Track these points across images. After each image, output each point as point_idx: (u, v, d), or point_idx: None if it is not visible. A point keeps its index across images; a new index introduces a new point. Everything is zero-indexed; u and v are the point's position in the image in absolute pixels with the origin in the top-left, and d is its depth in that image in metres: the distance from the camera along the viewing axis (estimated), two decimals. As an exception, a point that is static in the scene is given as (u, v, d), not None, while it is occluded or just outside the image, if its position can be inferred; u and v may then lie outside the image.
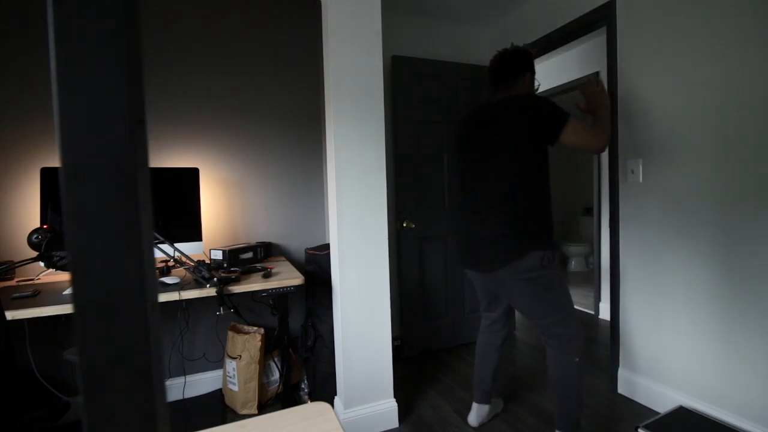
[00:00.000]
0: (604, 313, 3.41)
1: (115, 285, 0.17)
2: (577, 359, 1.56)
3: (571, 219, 6.33)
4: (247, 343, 2.04)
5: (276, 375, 2.18)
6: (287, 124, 2.49)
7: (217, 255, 1.92)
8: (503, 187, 1.55)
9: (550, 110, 1.51)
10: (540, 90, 4.02)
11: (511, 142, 1.53)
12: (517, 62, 1.66)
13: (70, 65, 0.16)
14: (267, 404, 2.14)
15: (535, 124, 1.50)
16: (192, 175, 2.07)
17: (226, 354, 2.12)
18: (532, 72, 1.70)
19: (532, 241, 1.51)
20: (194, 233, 2.05)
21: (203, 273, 1.63)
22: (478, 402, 1.88)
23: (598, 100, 1.67)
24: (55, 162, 1.99)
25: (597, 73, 3.40)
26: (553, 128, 1.51)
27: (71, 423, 1.94)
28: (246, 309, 2.37)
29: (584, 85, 1.73)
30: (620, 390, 2.15)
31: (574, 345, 1.56)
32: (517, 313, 3.61)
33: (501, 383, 2.33)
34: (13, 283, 1.78)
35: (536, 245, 1.50)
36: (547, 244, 1.53)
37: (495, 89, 1.73)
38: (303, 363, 2.26)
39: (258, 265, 2.01)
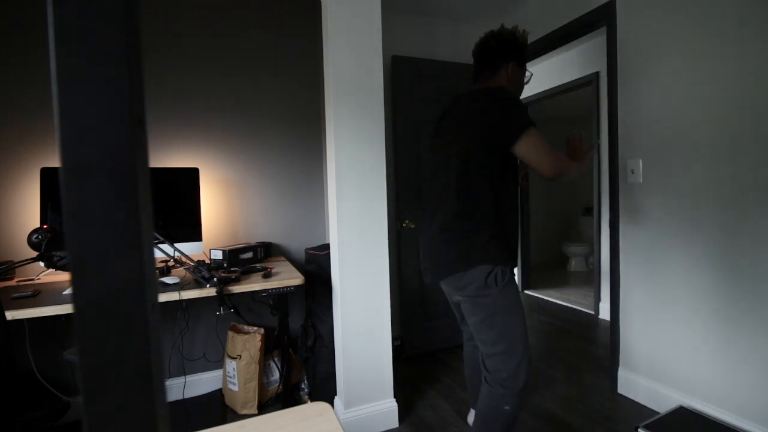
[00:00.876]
0: (604, 313, 3.41)
1: (115, 285, 0.17)
2: (508, 407, 1.30)
3: (571, 219, 6.33)
4: (247, 343, 2.04)
5: (276, 375, 2.18)
6: (287, 124, 2.49)
7: (217, 255, 1.92)
8: (452, 189, 1.35)
9: (512, 114, 1.28)
10: (539, 90, 4.02)
11: (463, 141, 1.34)
12: (501, 48, 1.42)
13: (70, 65, 0.16)
14: (267, 404, 2.14)
15: (490, 126, 1.29)
16: (192, 175, 2.07)
17: (226, 354, 2.12)
18: (519, 61, 1.45)
19: (478, 252, 1.28)
20: (194, 233, 2.05)
21: (203, 273, 1.63)
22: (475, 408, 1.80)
23: (579, 154, 1.46)
24: (55, 162, 1.99)
25: (597, 73, 3.41)
26: (508, 134, 1.27)
27: (71, 423, 1.94)
28: (246, 309, 2.37)
29: (569, 137, 1.52)
30: (620, 390, 2.15)
31: (509, 390, 1.29)
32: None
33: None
34: (13, 283, 1.78)
35: (483, 259, 1.28)
36: (497, 259, 1.29)
37: (476, 78, 1.51)
38: (303, 363, 2.26)
39: (258, 265, 2.01)
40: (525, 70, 1.50)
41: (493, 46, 1.43)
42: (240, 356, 2.03)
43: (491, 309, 1.30)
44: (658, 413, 1.89)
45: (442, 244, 1.35)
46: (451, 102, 1.50)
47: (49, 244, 1.47)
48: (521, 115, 1.28)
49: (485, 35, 1.46)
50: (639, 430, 1.70)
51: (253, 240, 2.41)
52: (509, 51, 1.42)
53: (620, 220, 2.13)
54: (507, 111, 1.28)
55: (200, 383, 2.27)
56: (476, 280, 1.28)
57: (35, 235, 1.50)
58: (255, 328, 2.17)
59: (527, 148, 1.27)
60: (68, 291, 1.57)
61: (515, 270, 1.42)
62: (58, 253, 1.47)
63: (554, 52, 3.61)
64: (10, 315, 1.30)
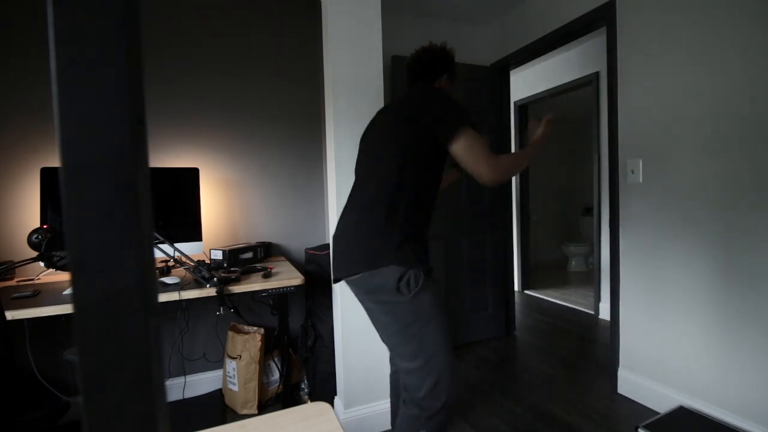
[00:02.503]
0: (604, 313, 3.41)
1: (115, 285, 0.17)
2: None
3: (571, 219, 6.33)
4: (247, 343, 2.04)
5: (276, 375, 2.18)
6: (287, 124, 2.49)
7: (217, 255, 1.92)
8: (374, 185, 1.24)
9: (447, 110, 1.21)
10: (539, 90, 4.02)
11: (394, 132, 1.27)
12: (434, 61, 1.42)
13: (70, 65, 0.16)
14: (267, 404, 2.14)
15: (425, 123, 1.22)
16: (192, 175, 2.07)
17: (226, 354, 2.12)
18: (451, 75, 1.46)
19: (391, 253, 1.14)
20: (194, 233, 2.05)
21: (203, 273, 1.63)
22: None
23: (539, 135, 1.37)
24: (55, 162, 1.99)
25: (597, 73, 3.41)
26: (443, 130, 1.19)
27: (71, 423, 1.94)
28: (246, 309, 2.37)
29: (533, 120, 1.45)
30: (620, 390, 2.15)
31: (426, 411, 1.14)
32: (516, 312, 3.62)
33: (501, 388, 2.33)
34: (13, 283, 1.78)
35: (396, 259, 1.14)
36: (411, 262, 1.15)
37: (413, 80, 1.48)
38: (303, 363, 2.26)
39: (258, 265, 2.01)
40: (453, 78, 1.51)
41: (427, 59, 1.42)
42: (240, 356, 2.03)
43: (406, 318, 1.15)
44: (658, 413, 1.89)
45: (352, 239, 1.22)
46: (393, 101, 1.44)
47: (49, 244, 1.47)
48: (460, 112, 1.21)
49: (416, 51, 1.45)
50: (639, 430, 1.70)
51: (253, 240, 2.41)
52: (442, 64, 1.43)
53: (620, 220, 2.13)
54: (445, 105, 1.22)
55: (200, 383, 2.27)
56: (387, 284, 1.14)
57: (35, 235, 1.50)
58: (255, 328, 2.17)
59: (466, 148, 1.18)
60: (68, 291, 1.57)
61: (430, 274, 1.23)
62: (58, 253, 1.47)
63: (554, 52, 3.62)
64: (10, 315, 1.30)
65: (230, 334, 2.13)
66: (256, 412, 2.06)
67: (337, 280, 1.27)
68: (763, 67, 1.55)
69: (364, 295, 1.22)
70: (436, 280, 1.23)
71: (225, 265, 1.89)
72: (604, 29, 2.85)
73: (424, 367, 1.15)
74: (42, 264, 1.50)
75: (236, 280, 1.67)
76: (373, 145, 1.34)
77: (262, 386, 2.11)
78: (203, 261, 1.87)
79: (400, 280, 1.13)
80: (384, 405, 1.90)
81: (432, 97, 1.25)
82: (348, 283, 1.23)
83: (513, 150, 3.81)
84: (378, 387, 1.91)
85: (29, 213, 1.96)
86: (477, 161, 1.16)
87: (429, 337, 1.15)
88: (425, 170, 1.24)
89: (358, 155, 1.42)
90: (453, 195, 2.90)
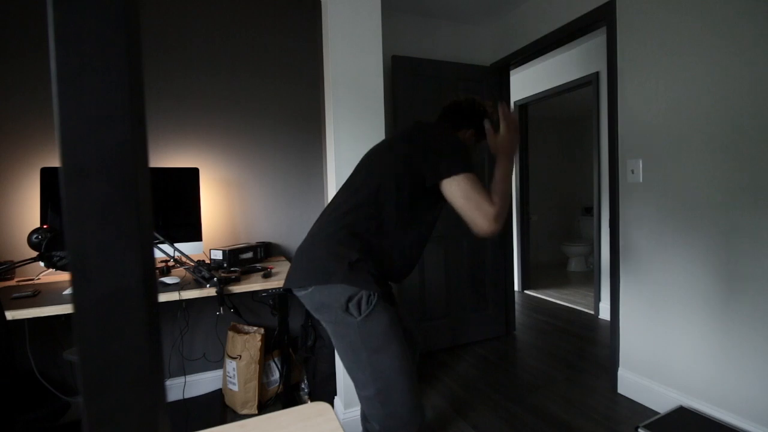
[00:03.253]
0: (604, 313, 3.41)
1: (115, 285, 0.17)
2: None
3: (571, 219, 6.33)
4: (247, 343, 2.04)
5: (276, 375, 2.18)
6: (287, 124, 2.49)
7: (217, 255, 1.92)
8: (355, 200, 1.17)
9: (450, 149, 1.14)
10: (539, 90, 4.02)
11: (388, 159, 1.20)
12: (469, 112, 1.37)
13: (70, 65, 0.16)
14: (267, 404, 2.14)
15: (426, 152, 1.15)
16: (192, 175, 2.07)
17: (226, 354, 2.12)
18: (479, 133, 1.39)
19: (343, 270, 1.05)
20: (194, 233, 2.05)
21: (203, 273, 1.63)
22: None
23: (508, 135, 1.25)
24: (55, 162, 1.99)
25: (597, 73, 3.40)
26: (438, 167, 1.11)
27: (71, 423, 1.94)
28: (246, 309, 2.37)
29: (494, 106, 1.39)
30: (620, 390, 2.15)
31: None
32: (516, 312, 3.62)
33: (502, 386, 2.33)
34: (13, 283, 1.78)
35: (347, 278, 1.05)
36: (366, 283, 1.06)
37: (443, 118, 1.44)
38: (303, 363, 2.26)
39: (258, 265, 2.01)
40: (479, 147, 1.42)
41: (464, 108, 1.37)
42: (240, 356, 2.03)
43: (355, 343, 1.07)
44: (658, 413, 1.89)
45: (308, 252, 1.14)
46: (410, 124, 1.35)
47: (49, 244, 1.47)
48: (462, 155, 1.13)
49: (461, 97, 1.40)
50: (639, 430, 1.70)
51: (253, 240, 2.41)
52: (476, 119, 1.36)
53: (620, 220, 2.13)
54: (449, 143, 1.15)
55: (200, 383, 2.27)
56: (334, 303, 1.06)
57: (35, 235, 1.50)
58: (255, 328, 2.17)
59: (459, 195, 1.09)
60: (68, 291, 1.57)
61: (389, 290, 1.23)
62: (58, 253, 1.47)
63: (554, 52, 3.62)
64: (10, 315, 1.30)
65: (230, 334, 2.13)
66: (256, 412, 2.06)
67: (286, 290, 1.20)
68: (764, 67, 1.55)
69: (313, 311, 1.13)
70: (392, 304, 1.13)
71: (225, 265, 1.89)
72: (604, 29, 2.85)
73: (376, 398, 1.07)
74: (42, 264, 1.50)
75: (236, 280, 1.67)
76: (365, 165, 1.26)
77: (262, 386, 2.11)
78: (203, 261, 1.87)
79: (349, 300, 1.05)
80: (384, 405, 1.90)
81: (439, 133, 1.19)
82: (297, 295, 1.15)
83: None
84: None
85: (29, 213, 1.96)
86: (475, 212, 1.08)
87: (381, 366, 1.06)
88: (407, 208, 1.15)
89: (356, 168, 1.33)
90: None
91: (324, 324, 1.14)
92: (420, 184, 1.14)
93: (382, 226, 1.13)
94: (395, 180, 1.15)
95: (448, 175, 1.10)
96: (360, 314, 1.05)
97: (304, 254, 1.15)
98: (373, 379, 1.06)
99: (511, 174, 1.20)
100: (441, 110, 1.43)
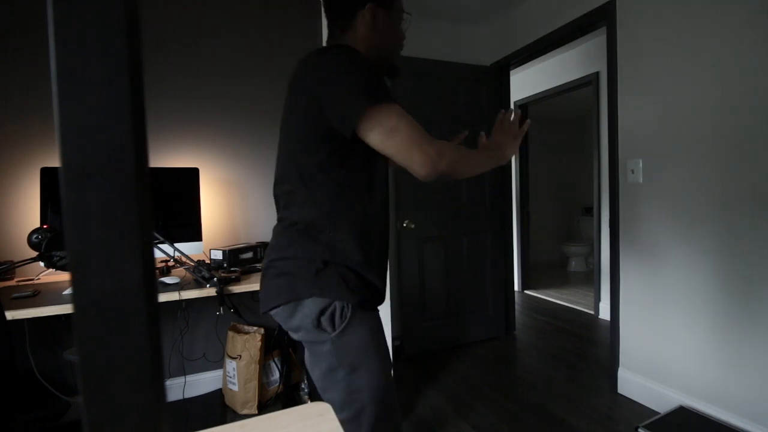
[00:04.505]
0: (604, 313, 3.41)
1: (115, 285, 0.17)
2: None
3: (571, 219, 6.33)
4: (247, 343, 2.04)
5: (276, 375, 2.18)
6: (287, 124, 2.49)
7: (217, 255, 1.92)
8: (287, 188, 0.96)
9: (349, 79, 0.85)
10: (539, 90, 4.01)
11: (292, 126, 0.95)
12: None
13: (70, 65, 0.16)
14: (267, 404, 2.14)
15: (322, 101, 0.87)
16: (192, 175, 2.07)
17: (226, 354, 2.12)
18: (381, 2, 1.00)
19: (309, 280, 0.90)
20: (194, 233, 2.05)
21: (203, 273, 1.62)
22: None
23: (507, 135, 1.11)
24: (55, 162, 1.99)
25: (597, 73, 3.40)
26: (342, 113, 0.85)
27: (71, 423, 1.93)
28: (246, 309, 2.37)
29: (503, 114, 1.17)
30: (620, 390, 2.15)
31: None
32: (516, 312, 3.61)
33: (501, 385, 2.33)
34: (13, 283, 1.78)
35: (318, 287, 0.89)
36: (338, 291, 0.90)
37: (329, 36, 1.07)
38: (303, 363, 2.26)
39: (258, 265, 2.01)
40: (399, 12, 1.07)
41: None
42: (240, 356, 2.02)
43: (330, 361, 0.92)
44: (658, 413, 1.89)
45: (272, 263, 0.96)
46: (296, 65, 1.00)
47: (49, 244, 1.47)
48: (367, 81, 0.85)
49: None
50: (639, 430, 1.70)
51: (253, 240, 2.41)
52: None
53: (620, 220, 2.13)
54: (339, 83, 0.86)
55: (200, 383, 2.27)
56: (306, 321, 0.91)
57: (35, 235, 1.50)
58: (255, 328, 2.17)
59: (378, 135, 0.84)
60: (68, 291, 1.57)
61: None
62: (58, 253, 1.47)
63: (554, 52, 3.61)
64: (10, 315, 1.30)
65: (230, 334, 2.13)
66: (256, 412, 2.06)
67: (264, 314, 1.01)
68: (763, 67, 1.55)
69: (289, 332, 0.98)
70: (373, 314, 0.98)
71: (225, 265, 1.89)
72: (604, 29, 2.85)
73: (353, 420, 0.93)
74: (42, 264, 1.50)
75: (236, 280, 1.67)
76: (280, 142, 1.01)
77: (262, 386, 2.11)
78: (203, 261, 1.87)
79: (321, 314, 0.89)
80: (384, 405, 1.90)
81: (330, 64, 0.88)
82: (272, 315, 0.99)
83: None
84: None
85: (29, 213, 1.96)
86: (405, 146, 0.84)
87: (357, 386, 0.92)
88: (343, 175, 0.91)
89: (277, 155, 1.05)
90: (453, 195, 2.90)
91: (299, 340, 0.99)
92: (340, 139, 0.88)
93: (332, 208, 0.92)
94: (311, 152, 0.91)
95: (359, 116, 0.83)
96: (334, 329, 0.90)
97: (268, 270, 0.98)
98: (348, 402, 0.92)
99: (489, 164, 1.01)
100: (325, 8, 1.05)
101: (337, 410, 0.93)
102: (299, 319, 0.92)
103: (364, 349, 0.93)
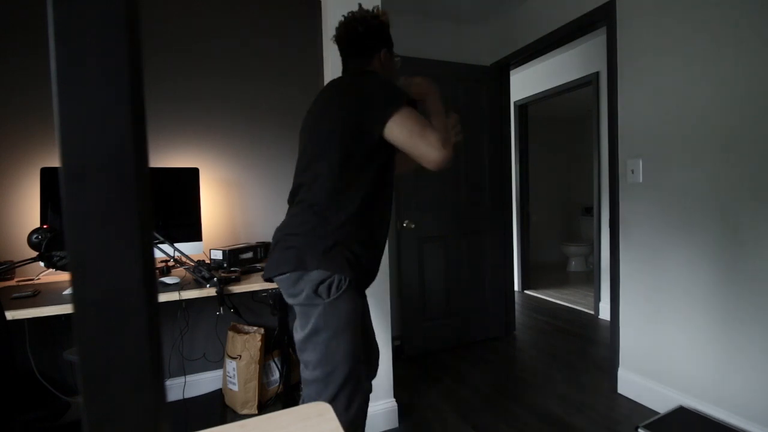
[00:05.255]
0: (604, 313, 3.41)
1: (115, 285, 0.17)
2: None
3: (571, 219, 6.33)
4: (247, 343, 2.04)
5: (276, 375, 2.18)
6: (287, 124, 2.49)
7: (217, 255, 1.92)
8: (309, 178, 1.15)
9: (377, 92, 1.10)
10: (539, 90, 4.02)
11: (326, 128, 1.15)
12: (370, 33, 1.24)
13: (70, 65, 0.16)
14: (267, 404, 2.14)
15: (356, 105, 1.11)
16: (192, 175, 2.07)
17: (226, 354, 2.12)
18: (389, 46, 1.29)
19: (318, 256, 1.07)
20: (194, 233, 2.05)
21: (203, 273, 1.62)
22: None
23: (424, 88, 1.28)
24: (55, 162, 1.99)
25: (597, 73, 3.40)
26: (372, 116, 1.08)
27: (71, 423, 1.93)
28: (246, 309, 2.37)
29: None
30: (620, 390, 2.15)
31: None
32: (516, 312, 3.61)
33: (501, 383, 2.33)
34: (13, 283, 1.78)
35: (324, 262, 1.06)
36: (341, 268, 1.07)
37: (345, 68, 1.32)
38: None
39: (258, 265, 2.01)
40: (395, 56, 1.34)
41: (361, 33, 1.23)
42: (240, 356, 2.02)
43: (317, 324, 1.08)
44: (658, 413, 1.89)
45: (285, 237, 1.14)
46: (326, 86, 1.29)
47: (49, 244, 1.47)
48: (390, 93, 1.09)
49: (347, 19, 1.25)
50: (639, 430, 1.70)
51: (253, 240, 2.41)
52: (380, 36, 1.25)
53: (620, 220, 2.13)
54: (377, 84, 1.11)
55: (200, 383, 2.27)
56: (306, 286, 1.08)
57: (35, 235, 1.50)
58: (255, 328, 2.17)
59: (399, 133, 1.06)
60: (68, 291, 1.57)
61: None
62: (58, 253, 1.47)
63: (554, 52, 3.61)
64: (10, 315, 1.29)
65: (230, 334, 2.13)
66: (256, 412, 2.06)
67: (267, 280, 1.18)
68: (764, 67, 1.55)
69: (287, 296, 1.14)
70: (362, 295, 1.15)
71: (225, 265, 1.89)
72: (604, 29, 2.85)
73: (322, 380, 1.08)
74: (42, 264, 1.50)
75: (236, 280, 1.67)
76: (308, 140, 1.21)
77: (262, 386, 2.11)
78: (203, 261, 1.87)
79: (321, 283, 1.06)
80: (383, 405, 1.90)
81: (361, 83, 1.14)
82: (276, 282, 1.15)
83: (513, 154, 3.80)
84: (377, 387, 1.91)
85: (29, 213, 1.96)
86: (420, 143, 1.05)
87: (335, 348, 1.08)
88: (364, 170, 1.12)
89: (299, 147, 1.28)
90: (453, 195, 2.90)
91: (294, 306, 1.14)
92: (365, 142, 1.10)
93: (349, 207, 1.10)
94: (341, 148, 1.10)
95: (389, 116, 1.06)
96: (329, 296, 1.07)
97: (279, 242, 1.14)
98: (323, 361, 1.08)
99: (442, 111, 1.21)
100: (339, 47, 1.29)
101: (311, 369, 1.10)
102: (302, 286, 1.08)
103: (347, 319, 1.09)
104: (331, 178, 1.10)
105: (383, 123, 1.06)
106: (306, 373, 1.11)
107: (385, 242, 1.22)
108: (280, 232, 1.16)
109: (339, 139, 1.10)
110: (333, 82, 1.23)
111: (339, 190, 1.10)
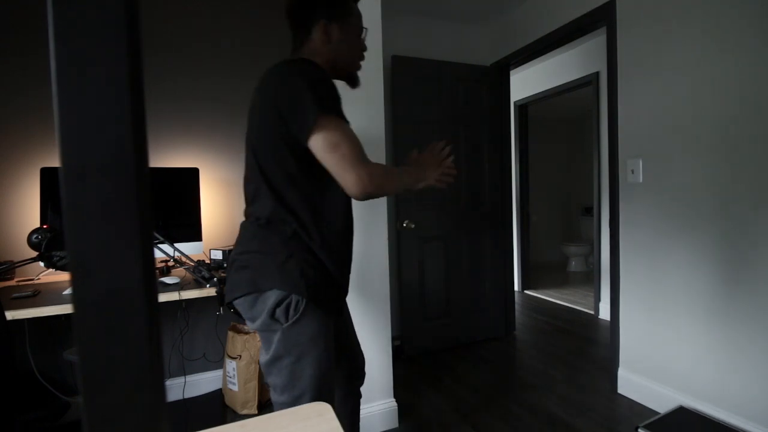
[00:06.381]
0: (604, 313, 3.41)
1: (115, 285, 0.17)
2: None
3: (571, 219, 6.33)
4: (247, 343, 2.04)
5: (276, 375, 2.18)
6: (287, 124, 2.49)
7: (217, 255, 1.92)
8: (254, 188, 1.04)
9: (300, 94, 0.92)
10: (540, 90, 4.02)
11: (256, 131, 1.04)
12: (301, 2, 1.07)
13: (70, 65, 0.16)
14: (267, 404, 2.14)
15: (281, 112, 0.95)
16: (192, 175, 2.07)
17: (226, 354, 2.12)
18: (334, 17, 1.07)
19: (272, 274, 0.97)
20: (194, 233, 2.05)
21: (203, 273, 1.62)
22: None
23: (434, 160, 1.15)
24: (55, 162, 1.99)
25: (597, 73, 3.40)
26: (297, 125, 0.93)
27: (71, 423, 1.93)
28: (246, 309, 2.37)
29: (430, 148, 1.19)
30: (620, 390, 2.15)
31: None
32: (516, 312, 3.61)
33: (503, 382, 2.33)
34: (13, 283, 1.78)
35: (279, 281, 0.96)
36: (296, 285, 0.96)
37: (293, 44, 1.15)
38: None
39: (258, 265, 2.01)
40: (354, 26, 1.13)
41: (295, 3, 1.07)
42: (240, 356, 2.02)
43: (278, 350, 0.99)
44: (658, 413, 1.89)
45: (238, 256, 1.04)
46: (262, 76, 1.12)
47: (49, 244, 1.47)
48: (320, 92, 0.92)
49: None
50: (639, 430, 1.70)
51: (253, 240, 2.41)
52: (315, 5, 1.05)
53: (620, 220, 2.13)
54: (301, 85, 0.93)
55: (200, 383, 2.27)
56: (263, 310, 0.98)
57: (35, 235, 1.50)
58: (255, 328, 2.17)
59: (321, 148, 0.92)
60: (68, 291, 1.57)
61: (342, 298, 1.11)
62: (58, 253, 1.47)
63: (554, 52, 3.61)
64: (10, 315, 1.30)
65: (230, 334, 2.13)
66: (256, 412, 2.06)
67: (227, 305, 1.07)
68: (763, 67, 1.55)
69: (248, 321, 1.04)
70: (330, 311, 1.04)
71: (225, 265, 1.89)
72: (604, 29, 2.85)
73: (290, 404, 0.99)
74: (42, 264, 1.50)
75: (236, 280, 1.67)
76: (246, 146, 1.09)
77: (262, 386, 2.11)
78: (203, 261, 1.87)
79: (277, 305, 0.96)
80: (383, 405, 1.90)
81: (282, 78, 0.98)
82: (235, 306, 1.05)
83: (513, 154, 3.80)
84: (376, 387, 1.91)
85: (29, 213, 1.96)
86: (342, 165, 0.91)
87: (300, 374, 0.99)
88: (304, 174, 0.99)
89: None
90: (453, 195, 2.90)
91: (257, 332, 1.05)
92: (296, 147, 0.96)
93: (294, 204, 0.99)
94: (274, 158, 0.98)
95: (311, 125, 0.91)
96: (287, 320, 0.97)
97: (233, 263, 1.05)
98: (288, 386, 1.00)
99: (410, 183, 1.08)
100: (288, 21, 1.12)
101: (278, 393, 1.02)
102: (259, 308, 0.99)
103: (309, 341, 0.99)
104: (272, 188, 0.99)
105: (311, 134, 0.92)
106: (274, 396, 1.04)
107: (351, 243, 1.12)
108: (234, 251, 1.07)
109: (268, 147, 0.99)
110: (268, 73, 1.05)
111: (281, 198, 0.99)
